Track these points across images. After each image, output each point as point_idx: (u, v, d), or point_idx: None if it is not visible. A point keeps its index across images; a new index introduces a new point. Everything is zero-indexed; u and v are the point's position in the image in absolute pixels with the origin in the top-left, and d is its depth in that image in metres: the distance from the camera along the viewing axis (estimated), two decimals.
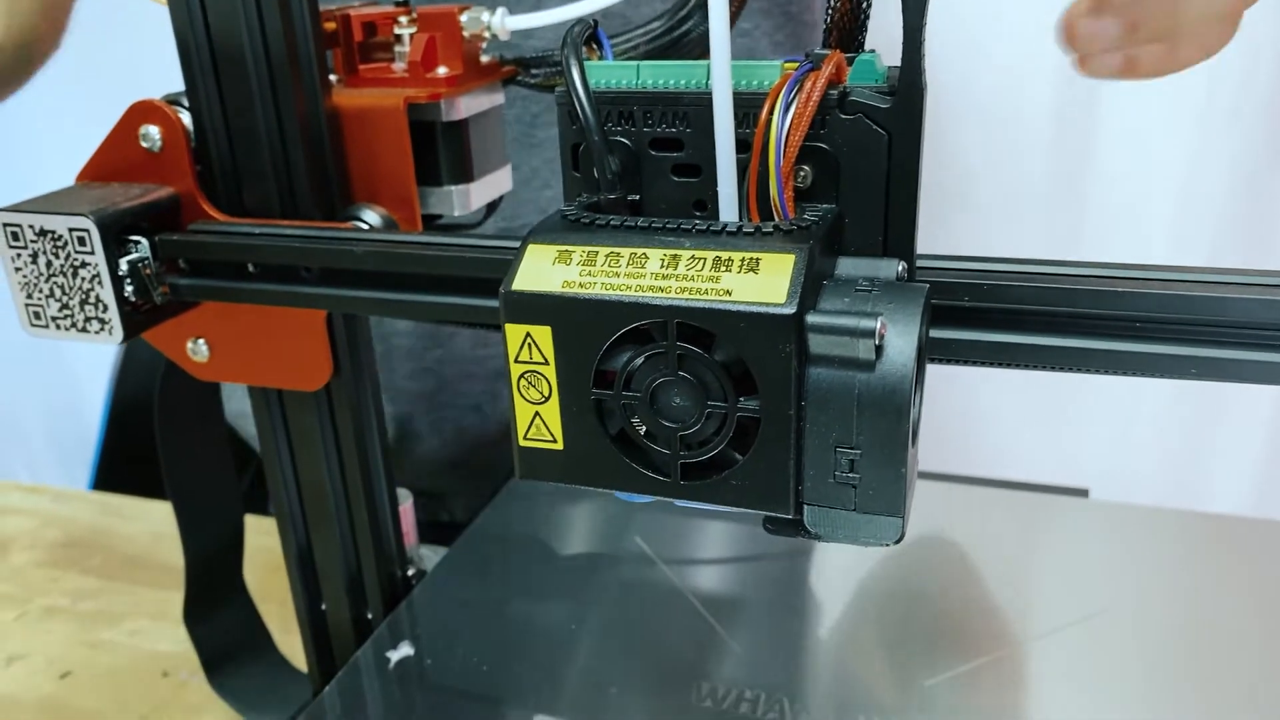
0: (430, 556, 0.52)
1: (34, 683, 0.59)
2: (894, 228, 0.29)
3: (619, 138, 0.30)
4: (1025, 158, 1.03)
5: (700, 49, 0.43)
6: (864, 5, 0.30)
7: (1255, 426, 1.09)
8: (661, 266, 0.27)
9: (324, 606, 0.48)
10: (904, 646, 0.46)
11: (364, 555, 0.47)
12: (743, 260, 0.26)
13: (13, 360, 1.49)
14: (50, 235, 0.38)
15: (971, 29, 0.93)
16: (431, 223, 0.45)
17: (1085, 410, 1.09)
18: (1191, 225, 1.04)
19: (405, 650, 0.46)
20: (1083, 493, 0.63)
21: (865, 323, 0.25)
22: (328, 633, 0.49)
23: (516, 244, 0.35)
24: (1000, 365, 0.33)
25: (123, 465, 1.04)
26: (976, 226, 1.05)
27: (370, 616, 0.48)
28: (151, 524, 0.75)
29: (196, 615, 0.54)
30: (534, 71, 0.46)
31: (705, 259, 0.27)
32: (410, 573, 0.50)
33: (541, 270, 0.27)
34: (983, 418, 1.09)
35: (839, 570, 0.52)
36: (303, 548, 0.47)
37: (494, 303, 0.36)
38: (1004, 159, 1.03)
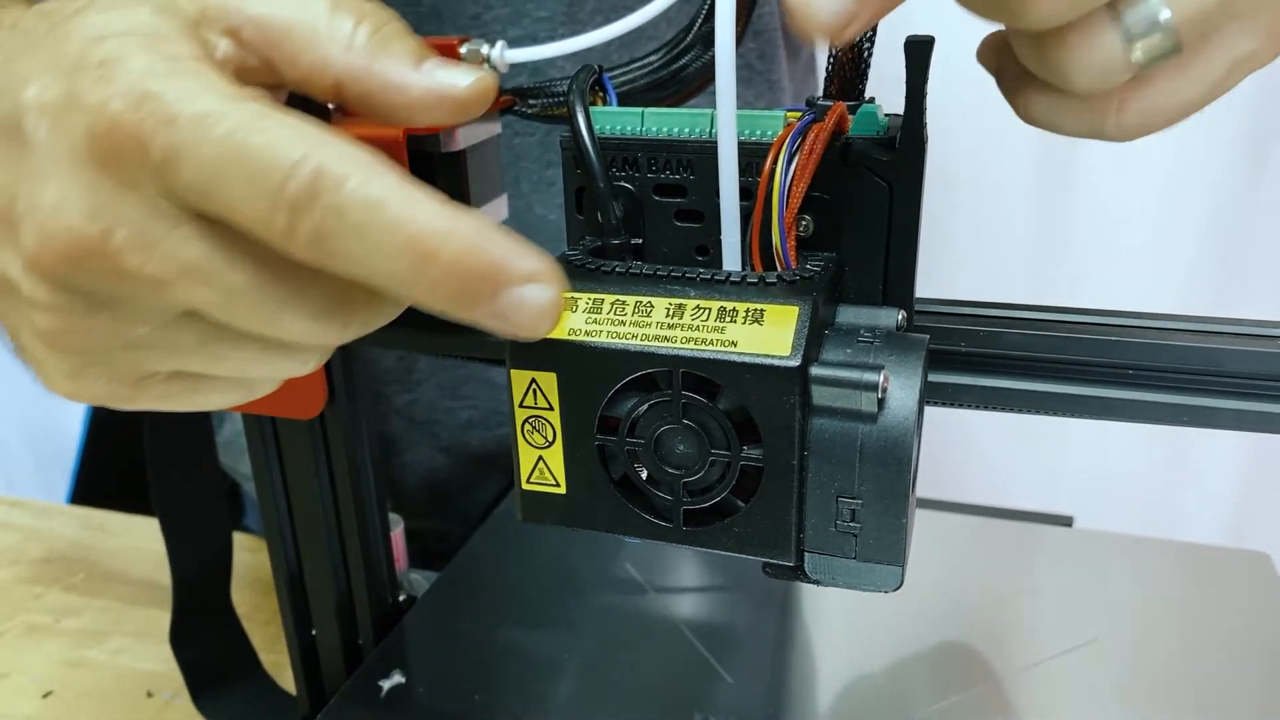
0: (420, 582, 0.52)
1: (16, 702, 0.59)
2: (893, 277, 0.30)
3: (623, 183, 0.31)
4: (1007, 168, 1.04)
5: (698, 82, 0.43)
6: (866, 55, 0.31)
7: (1233, 454, 1.11)
8: (667, 315, 0.27)
9: (314, 632, 0.48)
10: (896, 676, 0.47)
11: (355, 581, 0.47)
12: (747, 311, 0.27)
13: None
14: None
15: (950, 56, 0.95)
16: None
17: (1064, 434, 1.10)
18: (1170, 245, 1.05)
19: (397, 679, 0.46)
20: (1067, 521, 0.63)
21: (868, 376, 0.26)
22: (317, 658, 0.49)
23: None
24: (994, 409, 0.33)
25: (103, 478, 1.03)
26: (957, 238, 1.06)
27: (360, 642, 0.48)
28: (135, 540, 0.74)
29: (183, 636, 0.54)
30: (531, 101, 0.46)
31: (710, 309, 0.27)
32: (401, 598, 0.50)
33: None
34: (961, 440, 1.10)
35: (829, 598, 0.52)
36: (293, 573, 0.47)
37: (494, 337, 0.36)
38: (986, 180, 1.05)
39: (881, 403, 0.26)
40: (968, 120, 0.96)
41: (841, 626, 0.51)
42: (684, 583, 0.54)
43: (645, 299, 0.28)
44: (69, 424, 1.19)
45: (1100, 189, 1.03)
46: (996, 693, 0.46)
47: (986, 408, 0.33)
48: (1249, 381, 0.31)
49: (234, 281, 0.25)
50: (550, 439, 0.28)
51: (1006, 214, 1.07)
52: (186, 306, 0.26)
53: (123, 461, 1.00)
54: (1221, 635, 0.49)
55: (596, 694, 0.46)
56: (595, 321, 0.27)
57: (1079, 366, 0.32)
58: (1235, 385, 0.31)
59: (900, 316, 0.29)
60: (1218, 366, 0.31)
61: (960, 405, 0.33)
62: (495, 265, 0.24)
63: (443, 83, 0.28)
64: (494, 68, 0.43)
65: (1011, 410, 0.33)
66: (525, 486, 0.29)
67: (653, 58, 0.43)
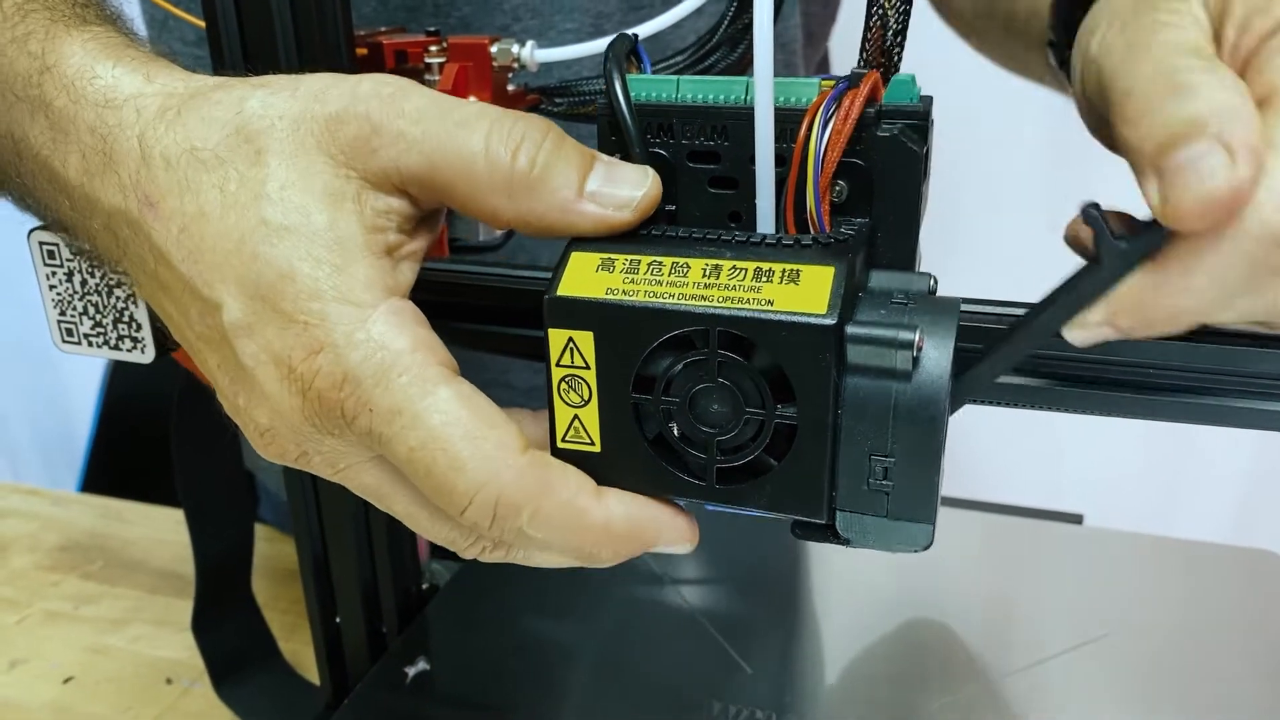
0: (441, 571, 0.52)
1: (37, 688, 0.59)
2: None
3: (657, 150, 0.31)
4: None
5: None
6: (898, 25, 0.31)
7: (1236, 452, 1.11)
8: (704, 276, 0.27)
9: (338, 619, 0.48)
10: (909, 669, 0.47)
11: (380, 569, 0.47)
12: (784, 271, 0.27)
13: None
14: (87, 254, 0.38)
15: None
16: (453, 245, 0.46)
17: (1069, 431, 1.10)
18: None
19: (421, 665, 0.46)
20: (1077, 518, 0.63)
21: (904, 334, 0.26)
22: (341, 646, 0.49)
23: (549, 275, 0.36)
24: (1021, 407, 0.34)
25: (113, 468, 1.04)
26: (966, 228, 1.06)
27: (384, 630, 0.48)
28: (152, 529, 0.75)
29: (205, 624, 0.54)
30: (557, 100, 0.46)
31: (746, 269, 0.27)
32: (424, 587, 0.50)
33: (585, 277, 0.28)
34: (965, 436, 1.10)
35: (844, 589, 0.52)
36: (319, 561, 0.47)
37: (528, 332, 0.36)
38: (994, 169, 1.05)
39: (916, 361, 0.26)
40: (978, 123, 0.97)
41: (856, 619, 0.51)
42: (701, 574, 0.54)
43: (682, 260, 0.28)
44: (79, 415, 1.20)
45: (1105, 196, 1.04)
46: (1008, 687, 0.46)
47: (1014, 405, 0.34)
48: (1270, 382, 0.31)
49: (394, 506, 0.31)
50: (586, 398, 0.29)
51: (1014, 218, 1.07)
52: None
53: (133, 452, 1.00)
54: (1231, 633, 0.49)
55: (616, 682, 0.46)
56: (632, 281, 0.28)
57: (1104, 366, 0.32)
58: (1258, 386, 0.31)
59: (932, 281, 0.29)
60: (1239, 367, 0.31)
61: (987, 403, 0.33)
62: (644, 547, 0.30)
63: (607, 204, 0.29)
64: (524, 67, 0.44)
65: (1038, 408, 0.34)
66: (560, 445, 0.29)
67: (678, 58, 0.43)
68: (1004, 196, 1.06)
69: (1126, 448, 1.11)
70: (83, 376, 1.16)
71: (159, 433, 0.52)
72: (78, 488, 1.00)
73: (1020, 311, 0.33)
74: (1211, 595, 0.52)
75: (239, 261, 0.28)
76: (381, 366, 0.27)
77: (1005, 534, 0.59)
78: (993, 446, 1.09)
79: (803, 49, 0.75)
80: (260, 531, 0.71)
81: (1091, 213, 0.26)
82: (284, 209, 0.28)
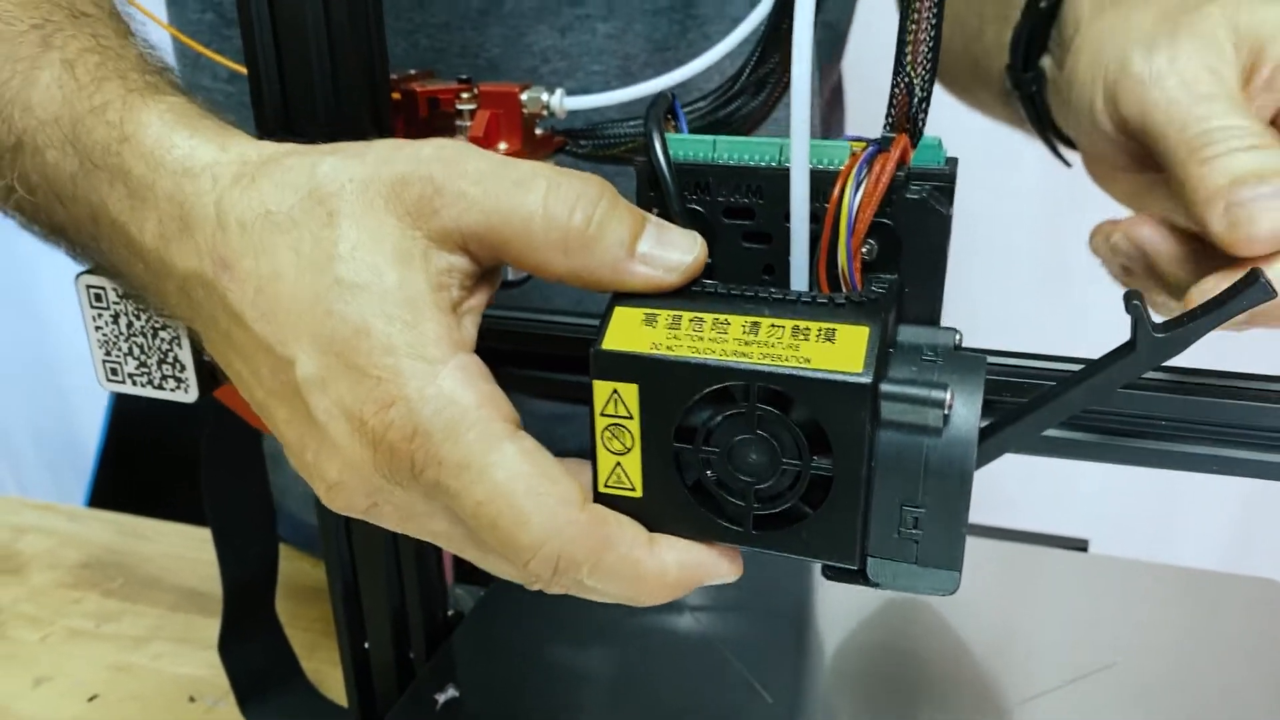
0: (464, 597, 0.54)
1: (62, 705, 0.60)
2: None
3: (693, 205, 0.32)
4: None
5: (746, 126, 0.45)
6: (922, 94, 0.32)
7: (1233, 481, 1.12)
8: (743, 332, 0.29)
9: (367, 645, 0.49)
10: (924, 700, 0.48)
11: (409, 596, 0.48)
12: (820, 330, 0.28)
13: (3, 374, 1.49)
14: (134, 298, 0.39)
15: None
16: None
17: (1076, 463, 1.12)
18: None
19: (451, 693, 0.47)
20: (1082, 544, 0.65)
21: (935, 393, 0.27)
22: (369, 671, 0.50)
23: (585, 320, 0.38)
24: (1036, 454, 0.35)
25: (122, 481, 1.04)
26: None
27: (412, 656, 0.49)
28: (169, 545, 0.76)
29: (231, 644, 0.55)
30: (582, 142, 0.48)
31: (785, 327, 0.29)
32: (449, 613, 0.51)
33: (630, 331, 0.29)
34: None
35: (862, 620, 0.53)
36: (349, 586, 0.48)
37: (566, 376, 0.38)
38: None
39: (946, 418, 0.28)
40: (976, 170, 0.98)
41: (871, 647, 0.52)
42: (723, 603, 0.55)
43: (722, 316, 0.29)
44: (86, 432, 1.20)
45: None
46: (1019, 717, 0.47)
47: (1029, 454, 0.35)
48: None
49: (465, 551, 0.32)
50: (628, 446, 0.30)
51: (1014, 260, 1.09)
52: None
53: (141, 467, 1.01)
54: (1237, 662, 0.50)
55: (639, 709, 0.47)
56: (675, 337, 0.29)
57: (1117, 417, 0.34)
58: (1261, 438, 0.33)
59: (958, 337, 0.31)
60: (1244, 420, 0.33)
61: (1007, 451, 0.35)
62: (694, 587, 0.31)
63: (657, 266, 0.30)
64: (553, 114, 0.45)
65: (1051, 455, 0.35)
66: (602, 489, 0.31)
67: (702, 104, 0.45)
68: (1006, 247, 1.08)
69: (1132, 473, 1.12)
70: (90, 391, 1.17)
71: (167, 447, 0.53)
72: (85, 502, 1.01)
73: (1039, 364, 0.35)
74: (1216, 624, 0.53)
75: (313, 319, 0.29)
76: (451, 421, 0.28)
77: (1012, 561, 0.60)
78: (998, 471, 1.11)
79: (819, 85, 0.76)
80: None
81: (1133, 302, 0.28)
82: (356, 268, 0.29)
